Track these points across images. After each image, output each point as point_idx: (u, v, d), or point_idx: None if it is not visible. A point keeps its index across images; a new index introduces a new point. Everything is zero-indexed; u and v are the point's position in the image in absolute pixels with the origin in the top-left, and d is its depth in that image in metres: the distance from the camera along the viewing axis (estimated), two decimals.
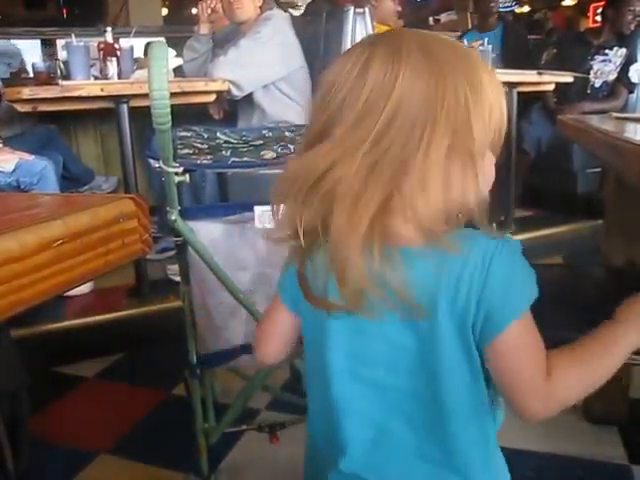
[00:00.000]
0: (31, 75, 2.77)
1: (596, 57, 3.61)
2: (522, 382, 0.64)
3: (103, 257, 0.64)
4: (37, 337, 2.16)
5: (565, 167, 3.58)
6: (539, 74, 3.22)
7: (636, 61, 3.56)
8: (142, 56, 3.14)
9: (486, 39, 3.38)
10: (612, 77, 3.58)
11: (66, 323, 2.27)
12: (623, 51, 3.56)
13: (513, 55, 3.79)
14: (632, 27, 3.57)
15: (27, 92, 2.21)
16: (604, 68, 3.59)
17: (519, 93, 3.13)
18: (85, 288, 2.43)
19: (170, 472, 1.60)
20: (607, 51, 3.59)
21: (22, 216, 0.66)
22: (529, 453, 1.62)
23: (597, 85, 3.62)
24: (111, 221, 0.66)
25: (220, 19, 2.99)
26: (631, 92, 3.60)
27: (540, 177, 3.61)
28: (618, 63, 3.56)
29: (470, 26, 5.16)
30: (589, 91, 3.62)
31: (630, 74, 3.54)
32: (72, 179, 2.97)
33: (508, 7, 5.00)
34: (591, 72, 3.61)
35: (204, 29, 2.93)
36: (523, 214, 3.56)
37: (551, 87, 3.39)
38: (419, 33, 0.67)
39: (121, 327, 2.32)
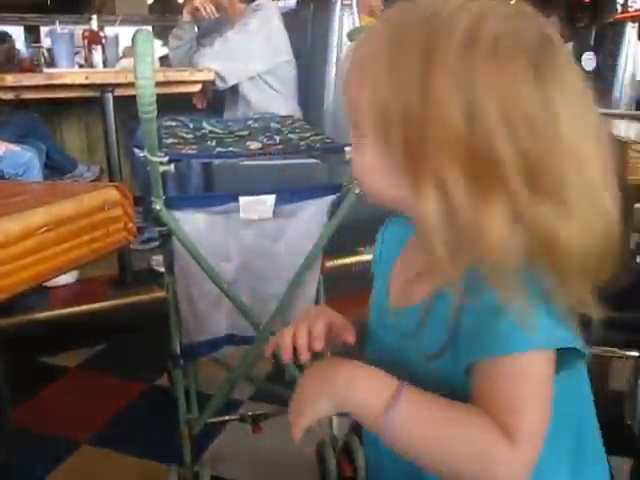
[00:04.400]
0: None
1: None
2: None
3: (87, 245, 0.64)
4: (20, 327, 2.15)
5: None
6: None
7: None
8: (128, 45, 3.11)
9: None
10: None
11: (49, 313, 2.25)
12: None
13: None
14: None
15: (10, 79, 2.18)
16: None
17: None
18: (70, 278, 2.41)
19: (153, 462, 1.60)
20: None
21: (5, 204, 0.66)
22: None
23: None
24: (95, 209, 0.65)
25: None
26: None
27: None
28: None
29: None
30: None
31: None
32: (54, 168, 2.94)
33: None
34: None
35: (187, 16, 2.90)
36: None
37: None
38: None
39: (104, 317, 2.31)
